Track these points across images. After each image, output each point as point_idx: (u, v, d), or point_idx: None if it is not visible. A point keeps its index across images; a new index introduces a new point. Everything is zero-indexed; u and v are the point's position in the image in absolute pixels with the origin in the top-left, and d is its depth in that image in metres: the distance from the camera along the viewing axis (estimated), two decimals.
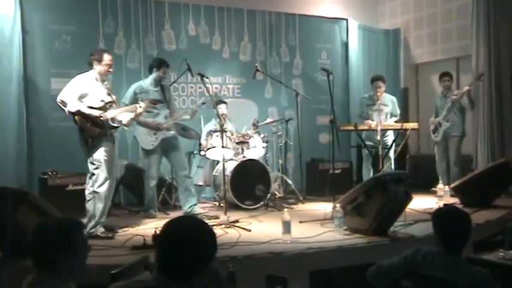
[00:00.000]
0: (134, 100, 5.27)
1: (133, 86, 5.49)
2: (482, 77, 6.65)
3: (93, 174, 4.47)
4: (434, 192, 5.98)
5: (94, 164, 4.47)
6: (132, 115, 4.77)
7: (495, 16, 6.70)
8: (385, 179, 4.19)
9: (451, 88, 6.80)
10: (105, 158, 4.47)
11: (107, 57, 4.59)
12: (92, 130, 4.44)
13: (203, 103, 5.78)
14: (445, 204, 4.86)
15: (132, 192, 6.18)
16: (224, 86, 7.14)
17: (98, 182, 4.45)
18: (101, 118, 4.50)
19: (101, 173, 4.46)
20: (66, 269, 1.91)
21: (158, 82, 5.48)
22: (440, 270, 2.36)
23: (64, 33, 6.04)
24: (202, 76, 5.17)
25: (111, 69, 4.64)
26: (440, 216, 2.54)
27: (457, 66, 7.72)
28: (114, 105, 4.65)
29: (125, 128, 4.92)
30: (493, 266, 2.82)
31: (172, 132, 5.51)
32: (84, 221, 4.26)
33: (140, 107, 4.75)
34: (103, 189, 4.45)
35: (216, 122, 6.07)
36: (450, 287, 2.24)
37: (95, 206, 4.45)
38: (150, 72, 5.48)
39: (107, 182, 4.46)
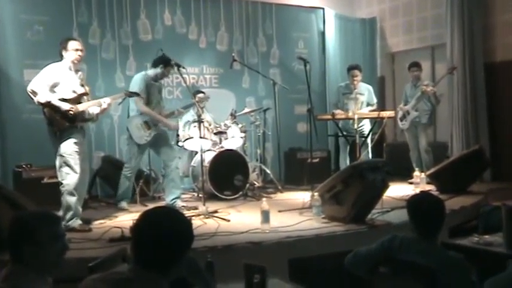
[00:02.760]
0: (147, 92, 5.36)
1: (143, 77, 5.38)
2: (454, 70, 6.68)
3: (61, 167, 4.38)
4: (411, 183, 6.04)
5: (63, 157, 4.37)
6: (98, 110, 4.62)
7: (469, 5, 6.73)
8: (363, 167, 4.23)
9: (421, 78, 6.81)
10: (75, 150, 4.38)
11: (71, 44, 4.45)
12: (61, 123, 4.35)
13: (192, 104, 5.62)
14: (421, 191, 4.94)
15: (109, 185, 6.11)
16: (201, 76, 7.11)
17: (67, 175, 4.37)
18: (71, 112, 4.37)
19: (70, 166, 4.38)
20: (36, 262, 1.90)
21: (158, 79, 5.47)
22: (416, 255, 2.38)
23: (36, 23, 5.92)
24: (178, 66, 5.14)
25: (79, 56, 4.46)
26: (414, 202, 2.57)
27: (432, 54, 7.75)
28: (86, 97, 4.53)
29: (92, 123, 4.83)
30: (467, 251, 2.85)
31: (164, 128, 5.53)
32: (60, 214, 4.16)
33: (104, 102, 4.59)
34: (72, 182, 4.36)
35: (194, 113, 6.04)
36: (426, 272, 2.25)
37: (68, 199, 4.38)
38: (155, 66, 5.41)
39: (77, 175, 4.38)
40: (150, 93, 5.37)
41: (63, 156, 4.36)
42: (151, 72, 5.46)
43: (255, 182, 6.28)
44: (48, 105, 4.32)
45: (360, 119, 6.17)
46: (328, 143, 7.71)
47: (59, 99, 4.37)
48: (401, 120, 6.79)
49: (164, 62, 5.35)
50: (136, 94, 5.15)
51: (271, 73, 7.44)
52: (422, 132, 6.67)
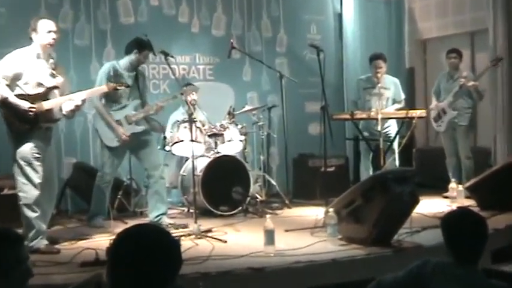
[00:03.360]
0: None
1: (107, 67, 5.43)
2: (499, 62, 6.61)
3: (17, 176, 4.33)
4: (446, 197, 6.10)
5: (19, 164, 4.32)
6: (72, 106, 4.56)
7: None
8: (387, 177, 4.21)
9: (459, 68, 6.79)
10: (35, 156, 4.32)
11: (43, 25, 4.38)
12: (19, 125, 4.27)
13: (175, 97, 5.69)
14: (457, 207, 4.91)
15: (81, 197, 6.10)
16: (193, 66, 7.07)
17: (24, 186, 4.31)
18: (30, 113, 4.28)
19: (27, 175, 4.32)
20: None
21: (135, 67, 5.46)
22: (452, 284, 2.36)
23: None
24: (166, 55, 5.13)
25: (53, 40, 4.40)
26: (451, 221, 2.56)
27: (472, 42, 7.74)
28: (58, 90, 4.49)
29: (67, 118, 4.81)
30: None
31: (143, 127, 5.47)
32: (22, 232, 4.09)
33: (78, 98, 4.49)
34: (31, 195, 4.31)
35: (184, 111, 6.03)
36: None
37: (27, 215, 4.32)
38: (128, 53, 5.43)
39: (37, 185, 4.33)
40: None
41: (20, 163, 4.29)
42: (124, 61, 5.46)
43: (258, 195, 6.25)
44: (3, 103, 4.23)
45: (385, 119, 6.18)
46: (346, 148, 7.70)
47: (19, 95, 4.28)
48: (435, 120, 6.80)
49: (139, 46, 5.34)
50: (126, 85, 5.06)
51: (277, 63, 7.39)
52: (462, 136, 6.65)
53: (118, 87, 5.04)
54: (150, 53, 5.43)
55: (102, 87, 4.99)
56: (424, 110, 6.30)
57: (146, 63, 6.50)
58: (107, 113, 5.33)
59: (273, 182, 6.63)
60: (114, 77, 5.28)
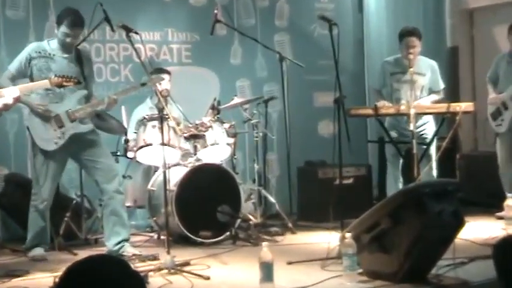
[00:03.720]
0: (24, 70, 5.29)
1: (30, 47, 5.46)
2: None
3: None
4: (500, 218, 6.12)
5: None
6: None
7: None
8: (423, 192, 4.22)
9: None
10: None
11: None
12: None
13: (143, 84, 5.63)
14: None
15: (16, 220, 6.07)
16: (165, 46, 7.19)
17: None
18: None
19: None
20: None
21: (68, 46, 5.43)
22: None
23: None
24: (128, 31, 5.13)
25: None
26: (507, 250, 2.58)
27: None
28: None
29: None
30: None
31: (89, 126, 5.51)
32: None
33: (10, 95, 4.53)
34: None
35: (153, 105, 6.13)
36: None
37: None
38: (58, 24, 5.38)
39: None
40: (42, 69, 5.29)
41: None
42: (56, 40, 5.49)
43: (251, 217, 6.28)
44: None
45: (419, 115, 6.18)
46: (368, 153, 7.92)
47: None
48: (494, 117, 6.83)
49: (68, 16, 5.30)
50: (75, 81, 5.11)
51: (276, 42, 7.57)
52: None
53: (65, 83, 5.07)
54: (79, 28, 5.36)
55: (43, 83, 5.01)
56: (471, 103, 6.31)
57: (102, 41, 6.55)
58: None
59: (272, 199, 6.62)
60: (37, 59, 5.28)
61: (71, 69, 5.38)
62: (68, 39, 5.35)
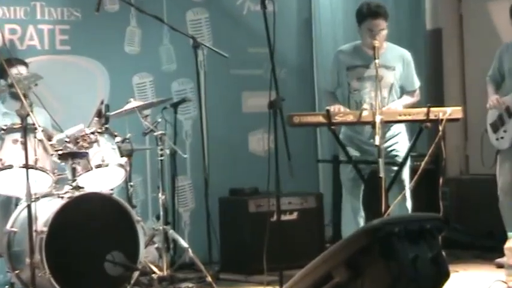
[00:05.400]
0: None
1: None
2: None
3: None
4: (500, 266, 6.25)
5: None
6: None
7: None
8: (392, 232, 4.01)
9: None
10: None
11: None
12: None
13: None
14: None
15: None
16: (32, 26, 7.17)
17: None
18: None
19: None
20: None
21: None
22: None
23: None
24: None
25: None
26: None
27: None
28: None
29: None
30: None
31: None
32: None
33: None
34: None
35: (8, 110, 6.19)
36: None
37: None
38: None
39: None
40: None
41: None
42: None
43: (154, 268, 6.26)
44: None
45: (388, 125, 6.23)
46: (318, 177, 8.11)
47: None
48: (495, 129, 6.95)
49: None
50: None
51: (190, 22, 7.74)
52: None
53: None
54: None
55: None
56: (459, 108, 6.23)
57: None
58: None
59: (183, 243, 6.55)
60: None
61: None
62: None
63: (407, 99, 6.58)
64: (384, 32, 6.45)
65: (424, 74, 7.05)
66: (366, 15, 6.47)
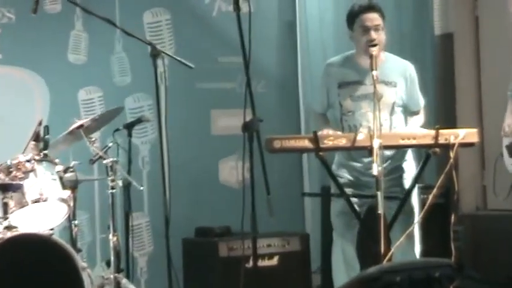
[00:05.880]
0: None
1: None
2: None
3: None
4: None
5: None
6: None
7: None
8: (393, 282, 4.08)
9: None
10: None
11: None
12: None
13: None
14: None
15: None
16: None
17: None
18: None
19: None
20: None
21: None
22: None
23: None
24: None
25: None
26: None
27: None
28: None
29: None
30: None
31: None
32: None
33: None
34: None
35: None
36: None
37: None
38: None
39: None
40: None
41: None
42: None
43: None
44: None
45: (390, 150, 5.89)
46: (303, 215, 7.87)
47: None
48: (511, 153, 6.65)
49: None
50: None
51: (147, 25, 7.54)
52: None
53: None
54: None
55: None
56: (474, 130, 5.77)
57: None
58: None
59: None
60: None
61: None
62: None
63: (418, 122, 6.36)
64: (382, 35, 6.13)
65: (432, 89, 6.82)
66: (357, 12, 6.23)
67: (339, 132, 6.05)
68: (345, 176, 6.17)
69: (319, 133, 5.84)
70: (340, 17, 7.05)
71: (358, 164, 6.13)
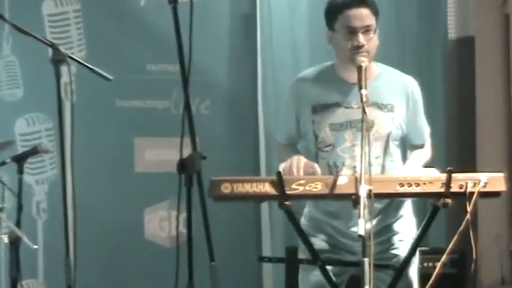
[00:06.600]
0: None
1: None
2: None
3: None
4: None
5: None
6: None
7: None
8: None
9: None
10: None
11: None
12: None
13: None
14: None
15: None
16: None
17: None
18: None
19: None
20: None
21: None
22: None
23: None
24: None
25: None
26: None
27: None
28: None
29: None
30: None
31: None
32: None
33: None
34: None
35: None
36: None
37: None
38: None
39: None
40: None
41: None
42: None
43: None
44: None
45: (382, 202, 5.59)
46: (262, 286, 7.61)
47: None
48: None
49: None
50: None
51: (47, 17, 7.47)
52: None
53: None
54: None
55: None
56: (500, 175, 5.26)
57: None
58: None
59: None
60: None
61: None
62: None
63: (421, 159, 5.95)
64: (374, 40, 5.74)
65: (442, 113, 6.76)
66: (340, 6, 5.88)
67: (316, 167, 5.72)
68: (318, 235, 5.90)
69: (284, 173, 5.58)
70: (317, 11, 6.65)
71: (337, 220, 5.81)
